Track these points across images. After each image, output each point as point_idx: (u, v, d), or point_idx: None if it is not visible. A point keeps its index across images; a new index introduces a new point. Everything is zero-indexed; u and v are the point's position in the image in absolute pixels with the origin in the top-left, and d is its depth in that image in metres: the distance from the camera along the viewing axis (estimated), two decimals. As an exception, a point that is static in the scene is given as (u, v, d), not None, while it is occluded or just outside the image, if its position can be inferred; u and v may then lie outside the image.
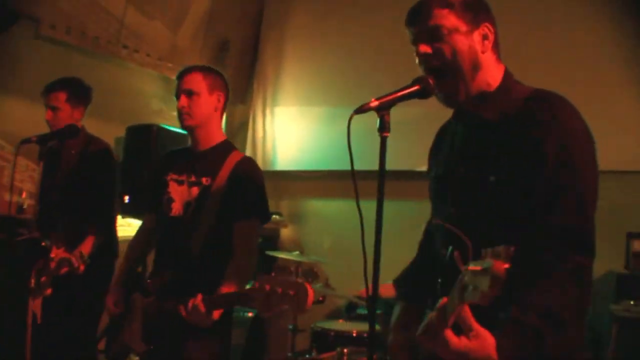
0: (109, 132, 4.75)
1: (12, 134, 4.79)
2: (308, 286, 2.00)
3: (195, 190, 2.68)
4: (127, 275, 2.91)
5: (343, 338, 3.93)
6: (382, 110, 1.64)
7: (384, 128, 1.64)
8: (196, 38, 6.09)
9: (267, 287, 2.05)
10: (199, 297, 2.33)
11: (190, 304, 2.33)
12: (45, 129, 3.66)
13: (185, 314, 2.36)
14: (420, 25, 1.75)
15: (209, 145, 2.76)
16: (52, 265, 3.14)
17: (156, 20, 5.68)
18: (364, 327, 4.08)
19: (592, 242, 1.62)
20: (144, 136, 4.91)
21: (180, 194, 2.72)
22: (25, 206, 4.46)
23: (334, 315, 4.96)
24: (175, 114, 5.79)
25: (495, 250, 1.25)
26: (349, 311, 4.77)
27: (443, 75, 1.74)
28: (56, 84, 3.64)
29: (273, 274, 2.12)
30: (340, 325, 4.21)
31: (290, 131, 6.20)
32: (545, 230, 1.60)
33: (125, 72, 5.66)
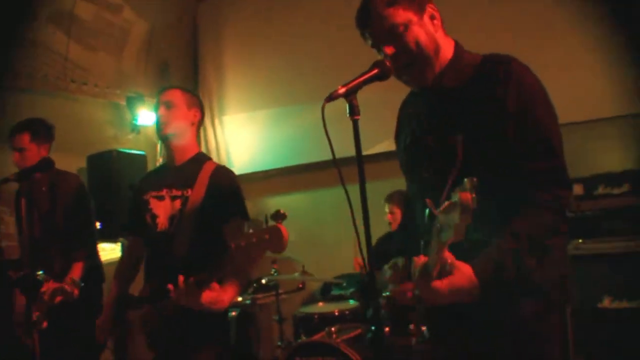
0: (71, 164, 4.78)
1: None
2: (280, 225, 1.99)
3: (177, 203, 2.71)
4: (119, 298, 2.91)
5: (327, 319, 4.10)
6: (350, 95, 1.70)
7: (354, 112, 1.70)
8: (139, 62, 6.17)
9: (243, 243, 2.04)
10: (182, 278, 2.30)
11: (180, 283, 2.29)
12: (3, 172, 3.75)
13: (175, 295, 2.31)
14: (373, 27, 1.85)
15: (184, 159, 2.82)
16: (46, 297, 3.15)
17: (99, 51, 5.75)
18: (342, 306, 4.30)
19: (567, 176, 1.75)
20: (104, 163, 5.05)
21: (163, 208, 2.75)
22: (3, 246, 4.50)
23: (311, 300, 5.14)
24: (130, 137, 5.95)
25: (460, 186, 1.36)
26: (324, 293, 4.95)
27: (411, 66, 1.85)
28: (19, 126, 3.71)
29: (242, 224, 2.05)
30: (320, 308, 4.39)
31: (240, 137, 6.34)
32: (522, 176, 1.71)
33: (76, 104, 5.70)
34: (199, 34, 6.75)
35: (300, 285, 4.74)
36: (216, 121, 6.50)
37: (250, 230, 2.04)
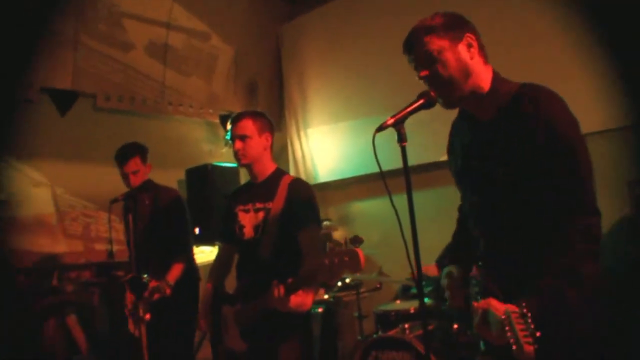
0: (171, 177, 5.32)
1: (93, 194, 5.40)
2: (357, 250, 2.24)
3: (261, 215, 2.96)
4: (214, 295, 3.18)
5: (403, 316, 4.16)
6: (398, 125, 1.86)
7: (401, 139, 1.87)
8: (228, 84, 6.49)
9: (327, 261, 2.30)
10: (274, 282, 2.59)
11: (271, 289, 2.60)
12: (116, 186, 4.08)
13: (268, 300, 2.62)
14: (415, 53, 1.97)
15: (264, 176, 3.06)
16: (146, 294, 3.53)
17: (192, 76, 6.13)
18: (418, 304, 4.35)
19: (594, 204, 1.78)
20: (201, 175, 5.40)
21: (249, 220, 3.01)
22: (114, 251, 4.91)
23: (391, 299, 5.23)
24: (223, 151, 6.27)
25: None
26: (404, 292, 5.03)
27: (441, 88, 1.94)
28: (128, 152, 4.02)
29: (327, 250, 2.34)
30: (398, 305, 4.43)
31: (325, 147, 6.48)
32: (553, 205, 1.78)
33: (174, 124, 6.12)
34: (282, 54, 6.93)
35: (378, 285, 4.85)
36: (302, 133, 6.67)
37: (334, 251, 2.32)
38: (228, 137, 6.22)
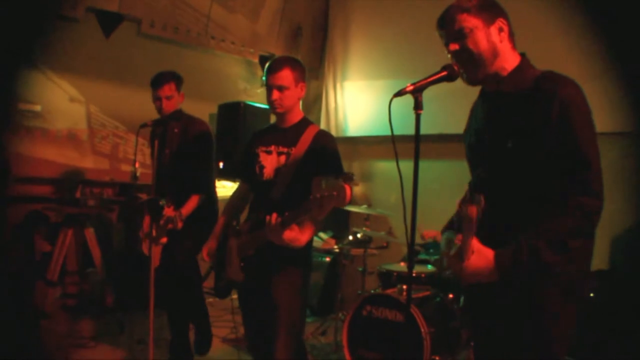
0: (203, 110, 5.28)
1: (125, 116, 5.50)
2: (346, 185, 2.30)
3: (283, 158, 2.97)
4: (224, 228, 3.22)
5: (403, 277, 4.23)
6: (416, 92, 1.88)
7: (417, 106, 1.87)
8: (273, 25, 6.46)
9: (319, 195, 2.34)
10: (274, 215, 2.65)
11: (268, 219, 2.66)
12: (148, 111, 4.05)
13: (265, 232, 2.67)
14: (448, 29, 2.00)
15: (291, 123, 3.04)
16: (161, 222, 3.59)
17: (237, 13, 6.11)
18: (421, 269, 4.41)
19: (596, 187, 1.81)
20: (233, 112, 5.40)
21: (270, 162, 3.01)
22: (138, 174, 4.96)
23: (398, 259, 5.29)
24: (259, 91, 6.27)
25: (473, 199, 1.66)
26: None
27: (468, 63, 1.97)
28: (164, 77, 3.94)
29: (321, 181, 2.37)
30: (401, 267, 4.49)
31: (358, 102, 6.46)
32: (557, 183, 1.82)
33: (214, 58, 6.13)
34: (331, 3, 6.85)
35: (385, 244, 4.89)
36: (338, 85, 6.64)
37: (324, 186, 2.34)
38: (265, 79, 6.22)
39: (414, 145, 1.91)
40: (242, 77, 6.47)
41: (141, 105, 4.33)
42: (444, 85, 2.02)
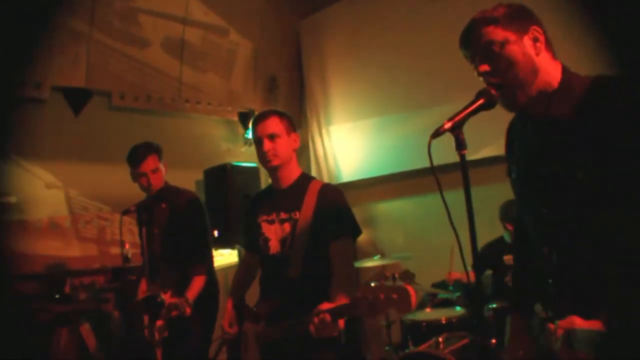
0: (188, 178, 4.99)
1: (108, 196, 5.14)
2: (409, 287, 1.96)
3: (287, 226, 2.64)
4: (237, 304, 2.91)
5: (434, 327, 3.86)
6: (456, 129, 1.60)
7: (461, 146, 1.60)
8: (247, 80, 6.22)
9: (369, 296, 2.03)
10: (322, 308, 2.28)
11: (316, 319, 2.26)
12: (132, 188, 3.70)
13: (314, 329, 2.29)
14: (474, 46, 1.71)
15: (290, 182, 2.72)
16: (164, 312, 3.24)
17: (209, 72, 5.86)
18: (450, 313, 4.04)
19: None
20: (219, 175, 5.05)
21: (274, 232, 2.68)
22: (130, 255, 4.62)
23: (419, 305, 4.91)
24: (243, 150, 5.98)
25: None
26: (431, 297, 4.70)
27: (504, 88, 1.68)
28: (143, 149, 3.59)
29: (372, 284, 2.11)
30: (428, 314, 4.14)
31: (348, 145, 6.19)
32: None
33: (192, 122, 5.85)
34: (303, 50, 6.67)
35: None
36: (323, 131, 6.38)
37: (379, 286, 2.05)
38: (248, 135, 5.92)
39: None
40: (224, 138, 6.19)
41: (123, 182, 3.95)
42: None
